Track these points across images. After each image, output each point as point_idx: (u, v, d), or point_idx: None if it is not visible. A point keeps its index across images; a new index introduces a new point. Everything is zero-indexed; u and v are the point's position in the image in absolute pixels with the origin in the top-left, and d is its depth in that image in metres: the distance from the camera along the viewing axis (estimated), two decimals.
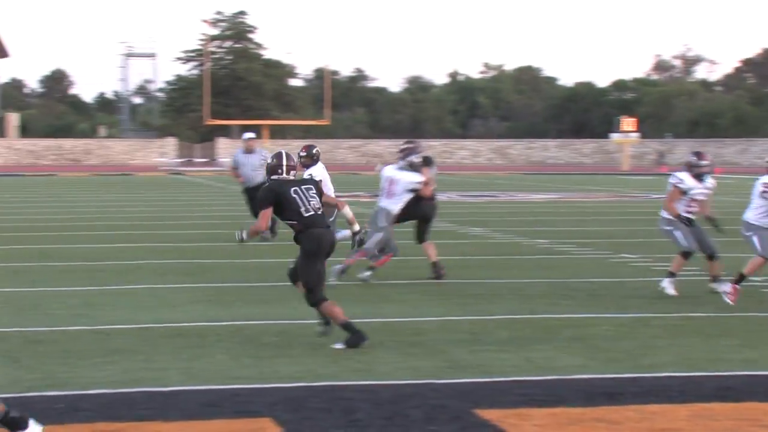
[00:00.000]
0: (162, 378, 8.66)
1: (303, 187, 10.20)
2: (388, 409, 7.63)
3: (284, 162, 10.26)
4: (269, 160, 10.37)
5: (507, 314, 12.02)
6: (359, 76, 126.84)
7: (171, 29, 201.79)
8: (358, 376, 8.80)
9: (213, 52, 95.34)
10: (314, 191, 10.23)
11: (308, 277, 10.01)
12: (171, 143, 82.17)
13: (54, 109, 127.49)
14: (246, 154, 21.19)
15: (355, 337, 9.93)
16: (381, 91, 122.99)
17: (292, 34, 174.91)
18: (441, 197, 36.15)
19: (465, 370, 9.04)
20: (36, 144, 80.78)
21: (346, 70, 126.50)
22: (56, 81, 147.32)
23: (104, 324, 11.21)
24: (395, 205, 14.79)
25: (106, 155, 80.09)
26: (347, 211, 10.63)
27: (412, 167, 14.97)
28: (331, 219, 15.14)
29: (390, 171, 15.02)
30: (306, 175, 14.71)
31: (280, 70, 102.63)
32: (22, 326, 11.09)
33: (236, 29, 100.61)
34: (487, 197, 37.04)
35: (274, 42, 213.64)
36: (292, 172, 10.28)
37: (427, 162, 15.31)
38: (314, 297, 10.04)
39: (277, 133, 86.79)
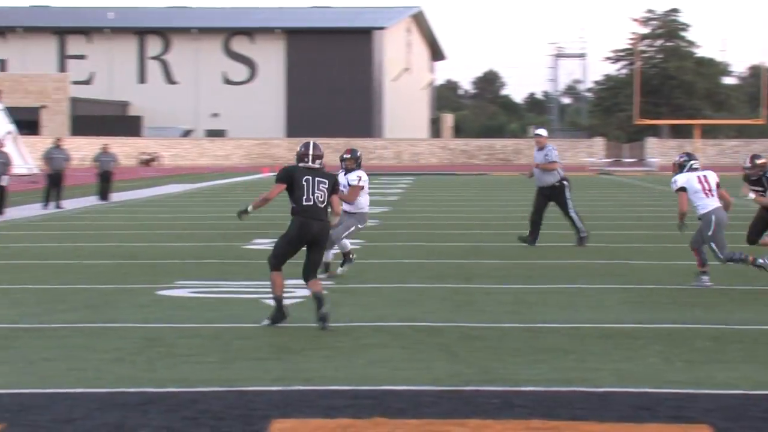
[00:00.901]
0: (593, 378, 8.66)
1: (317, 178, 10.93)
2: None
3: (311, 151, 11.03)
4: (299, 149, 11.08)
5: None
6: None
7: (601, 29, 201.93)
8: None
9: (643, 51, 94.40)
10: (326, 186, 10.95)
11: (278, 248, 10.98)
12: (599, 143, 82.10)
13: (486, 109, 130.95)
14: (537, 152, 19.80)
15: (278, 315, 10.89)
16: None
17: (726, 31, 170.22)
18: None
19: None
20: (468, 144, 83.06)
21: None
22: (488, 82, 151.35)
23: (535, 322, 11.37)
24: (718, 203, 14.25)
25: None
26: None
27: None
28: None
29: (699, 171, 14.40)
30: (353, 179, 14.84)
31: (712, 69, 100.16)
32: (458, 321, 11.45)
33: (668, 27, 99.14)
34: None
35: (708, 40, 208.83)
36: (317, 161, 11.02)
37: None
38: (272, 261, 10.99)
39: (709, 132, 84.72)
